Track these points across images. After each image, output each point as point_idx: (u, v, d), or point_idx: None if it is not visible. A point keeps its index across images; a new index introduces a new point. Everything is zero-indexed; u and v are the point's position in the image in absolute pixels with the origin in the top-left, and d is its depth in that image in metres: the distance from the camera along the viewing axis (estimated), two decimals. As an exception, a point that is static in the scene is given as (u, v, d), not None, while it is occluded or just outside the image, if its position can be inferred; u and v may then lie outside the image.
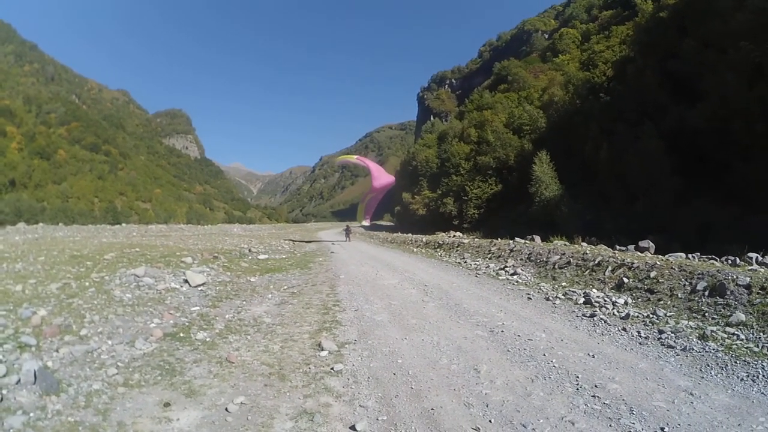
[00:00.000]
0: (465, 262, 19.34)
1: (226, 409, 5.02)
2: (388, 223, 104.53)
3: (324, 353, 7.03)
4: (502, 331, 8.42)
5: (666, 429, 4.73)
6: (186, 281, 11.05)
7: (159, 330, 7.49)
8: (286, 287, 12.43)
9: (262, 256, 19.43)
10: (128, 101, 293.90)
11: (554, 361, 6.78)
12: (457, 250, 23.49)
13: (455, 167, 63.31)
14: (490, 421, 4.94)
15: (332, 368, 6.41)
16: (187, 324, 8.15)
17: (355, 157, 36.61)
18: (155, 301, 9.23)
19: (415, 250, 28.21)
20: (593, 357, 6.94)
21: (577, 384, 5.93)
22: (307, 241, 31.43)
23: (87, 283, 9.34)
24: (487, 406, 5.32)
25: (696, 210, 22.17)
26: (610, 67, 47.49)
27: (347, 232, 39.15)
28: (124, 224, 74.63)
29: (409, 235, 43.55)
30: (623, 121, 30.59)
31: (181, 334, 7.53)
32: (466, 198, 56.01)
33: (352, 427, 4.77)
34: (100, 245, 14.99)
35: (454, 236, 36.53)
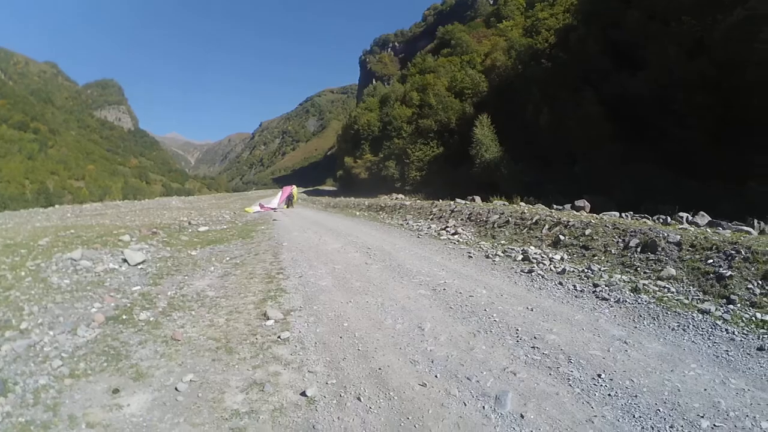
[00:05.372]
0: (407, 223, 19.44)
1: (176, 389, 4.92)
2: (331, 188, 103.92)
3: (270, 322, 6.95)
4: (445, 289, 8.57)
5: (602, 375, 5.01)
6: (125, 260, 10.56)
7: (100, 314, 7.16)
8: (228, 258, 12.17)
9: (202, 228, 18.89)
10: (56, 73, 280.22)
11: (495, 315, 7.00)
12: (399, 213, 23.58)
13: (397, 130, 63.36)
14: (436, 376, 5.10)
15: (279, 337, 6.37)
16: (129, 305, 7.82)
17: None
18: (94, 285, 8.75)
19: (357, 213, 28.13)
20: (532, 310, 7.20)
21: (518, 336, 6.17)
22: (249, 210, 30.63)
23: (23, 273, 8.78)
24: (432, 362, 5.47)
25: (632, 172, 22.93)
26: (552, 35, 47.97)
27: (288, 198, 37.74)
28: (57, 206, 70.60)
29: (352, 199, 43.41)
30: (565, 87, 31.09)
31: (124, 317, 7.23)
32: (408, 161, 56.31)
33: (303, 393, 4.80)
34: (34, 230, 14.18)
35: (396, 199, 36.61)
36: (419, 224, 18.62)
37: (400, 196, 42.48)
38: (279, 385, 5.00)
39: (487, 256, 11.29)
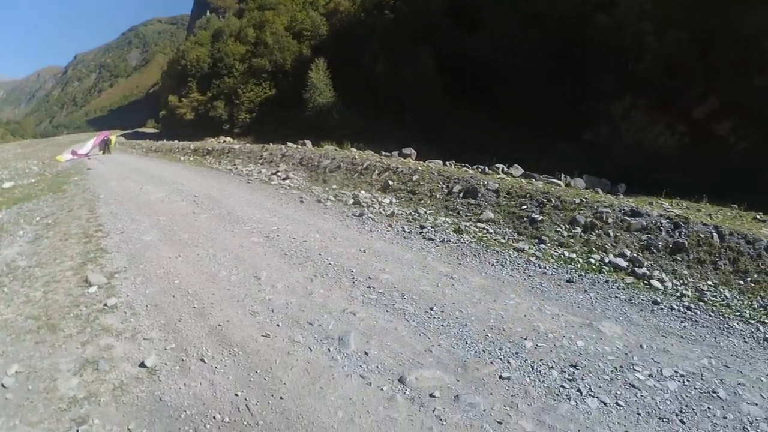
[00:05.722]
0: (236, 168, 18.87)
1: (2, 385, 4.26)
2: (153, 131, 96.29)
3: (93, 289, 6.32)
4: (278, 236, 8.57)
5: (434, 308, 5.48)
6: None
7: None
8: (39, 218, 10.80)
9: (6, 185, 16.72)
10: None
11: (330, 259, 7.21)
12: (227, 157, 22.72)
13: (229, 68, 60.12)
14: (278, 325, 5.15)
15: (105, 304, 5.82)
16: None
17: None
18: None
19: (182, 158, 26.53)
20: (365, 252, 7.52)
21: (353, 278, 6.44)
22: (60, 159, 26.79)
23: None
24: (272, 311, 5.50)
25: (459, 124, 24.02)
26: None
27: (104, 143, 33.51)
28: None
29: (176, 142, 40.79)
30: (404, 39, 31.41)
31: None
32: (238, 102, 53.83)
33: (142, 365, 4.54)
34: None
35: (224, 142, 35.29)
36: (249, 169, 18.17)
37: (229, 139, 41.06)
38: (114, 360, 4.63)
39: (319, 201, 11.39)
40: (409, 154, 16.64)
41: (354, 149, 19.52)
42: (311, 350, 4.64)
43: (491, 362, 4.45)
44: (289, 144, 22.55)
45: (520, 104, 20.98)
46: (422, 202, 10.48)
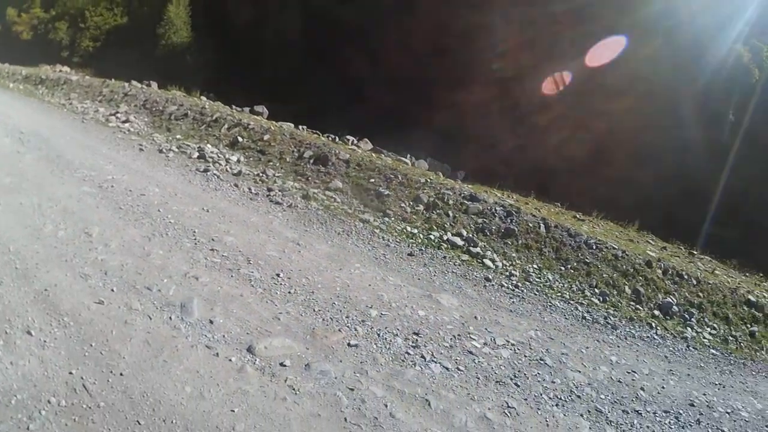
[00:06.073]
0: (71, 104, 16.73)
1: None
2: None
3: None
4: (113, 186, 7.60)
5: (281, 274, 5.36)
6: None
7: None
8: None
9: None
10: None
11: (170, 217, 6.62)
12: (62, 89, 20.11)
13: (78, -16, 53.50)
14: (112, 290, 4.55)
15: None
16: None
17: None
18: None
19: (11, 86, 22.91)
20: (208, 212, 7.10)
21: (195, 239, 6.01)
22: None
23: None
24: (106, 274, 4.84)
25: (317, 91, 23.69)
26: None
27: None
28: None
29: (6, 65, 35.69)
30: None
31: None
32: (83, 26, 48.02)
33: None
34: None
35: (62, 71, 31.53)
36: (85, 106, 16.23)
37: (66, 68, 36.90)
38: None
39: (161, 151, 10.49)
40: (261, 112, 16.11)
41: (204, 98, 18.47)
42: (151, 319, 4.21)
43: (339, 330, 4.49)
44: (134, 83, 20.65)
45: (377, 82, 21.29)
46: (271, 163, 10.16)
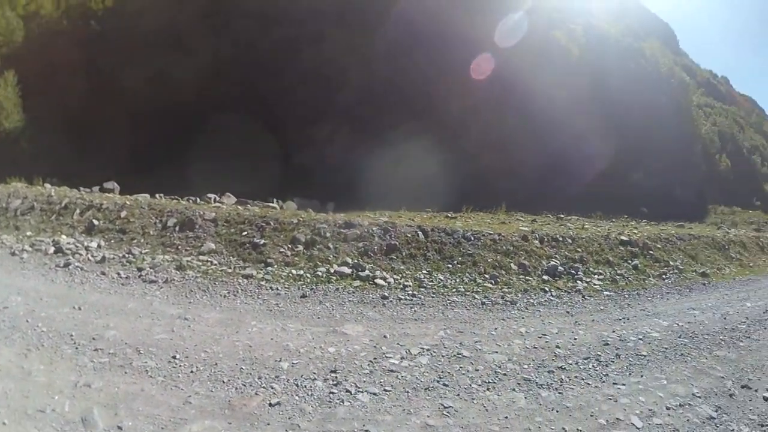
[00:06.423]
0: None
1: None
2: None
3: None
4: None
5: (177, 356, 4.99)
6: None
7: None
8: None
9: None
10: None
11: (41, 325, 5.87)
12: None
13: None
14: (3, 424, 3.94)
15: None
16: None
17: None
18: None
19: None
20: (80, 309, 6.43)
21: (75, 343, 5.40)
22: None
23: None
24: None
25: (166, 154, 22.76)
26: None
27: None
28: None
29: None
30: (109, 55, 28.31)
31: None
32: None
33: None
34: None
35: None
36: None
37: None
38: None
39: (13, 253, 9.39)
40: (112, 189, 15.24)
41: (48, 185, 17.02)
42: (53, 444, 3.72)
43: (256, 393, 4.27)
44: (-34, 184, 18.61)
45: (228, 131, 21.01)
46: (135, 241, 9.51)
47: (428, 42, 19.74)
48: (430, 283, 7.12)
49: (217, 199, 12.81)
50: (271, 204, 11.99)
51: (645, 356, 5.44)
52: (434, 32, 19.69)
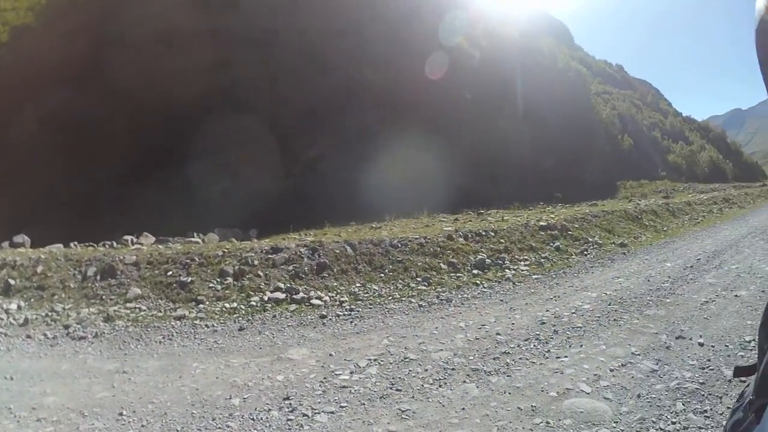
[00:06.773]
0: None
1: None
2: None
3: None
4: None
5: (123, 413, 4.78)
6: None
7: None
8: None
9: None
10: None
11: None
12: None
13: None
14: None
15: None
16: None
17: None
18: None
19: None
20: (12, 379, 6.03)
21: (15, 416, 5.04)
22: None
23: None
24: None
25: (74, 197, 21.73)
26: (5, 31, 38.71)
27: None
28: None
29: None
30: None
31: None
32: None
33: None
34: None
35: None
36: None
37: None
38: None
39: None
40: (22, 243, 14.37)
41: None
42: None
43: (211, 436, 4.27)
44: None
45: (132, 168, 20.42)
46: (56, 297, 8.97)
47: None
48: (365, 295, 7.26)
49: (135, 240, 12.35)
50: (193, 239, 11.71)
51: (581, 327, 5.82)
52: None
